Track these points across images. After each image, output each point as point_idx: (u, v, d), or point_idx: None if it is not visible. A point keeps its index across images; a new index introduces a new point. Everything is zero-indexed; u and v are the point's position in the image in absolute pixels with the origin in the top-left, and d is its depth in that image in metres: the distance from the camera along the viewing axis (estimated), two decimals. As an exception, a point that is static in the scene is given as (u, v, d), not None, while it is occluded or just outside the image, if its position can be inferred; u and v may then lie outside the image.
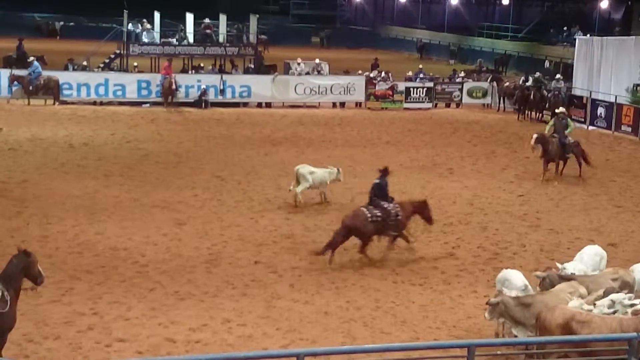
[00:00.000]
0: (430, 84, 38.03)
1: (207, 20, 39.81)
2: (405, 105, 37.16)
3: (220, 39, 39.25)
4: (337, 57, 51.52)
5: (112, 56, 38.48)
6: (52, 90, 33.75)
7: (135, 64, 37.35)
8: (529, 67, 43.77)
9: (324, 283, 15.35)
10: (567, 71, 39.93)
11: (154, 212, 19.54)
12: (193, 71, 37.36)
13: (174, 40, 38.68)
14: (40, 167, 23.49)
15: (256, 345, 12.56)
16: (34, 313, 13.14)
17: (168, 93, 34.29)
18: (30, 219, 18.57)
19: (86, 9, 65.27)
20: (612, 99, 32.71)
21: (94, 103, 34.66)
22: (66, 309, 13.63)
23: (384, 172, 17.51)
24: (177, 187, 21.94)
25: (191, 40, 38.77)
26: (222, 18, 40.02)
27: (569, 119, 24.66)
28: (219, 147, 27.33)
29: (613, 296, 11.15)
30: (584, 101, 34.15)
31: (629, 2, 59.37)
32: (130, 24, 38.11)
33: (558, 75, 36.55)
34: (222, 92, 35.58)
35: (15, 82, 33.60)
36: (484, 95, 38.58)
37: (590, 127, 33.19)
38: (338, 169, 20.94)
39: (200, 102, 34.92)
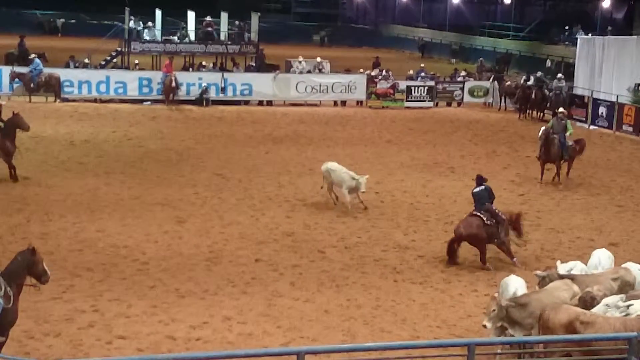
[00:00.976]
0: (432, 83, 38.02)
1: (208, 18, 39.83)
2: (407, 104, 37.15)
3: (222, 37, 39.27)
4: (339, 55, 51.51)
5: (114, 54, 38.50)
6: (54, 87, 33.75)
7: (136, 61, 37.35)
8: (530, 66, 43.74)
9: (325, 281, 15.35)
10: (569, 70, 39.92)
11: (155, 209, 19.55)
12: (192, 68, 37.32)
13: (175, 38, 38.69)
14: (41, 165, 23.49)
15: (256, 343, 12.56)
16: (34, 310, 13.15)
17: (169, 91, 34.30)
18: (31, 216, 18.57)
19: (88, 7, 65.31)
20: (614, 99, 32.69)
21: (95, 100, 34.67)
22: (67, 306, 13.63)
23: (482, 180, 17.23)
24: (178, 184, 21.94)
25: (192, 38, 38.80)
26: (224, 16, 40.05)
27: (568, 122, 24.58)
28: (220, 145, 27.34)
29: (607, 300, 11.14)
30: (586, 100, 34.13)
31: (631, 2, 59.33)
32: (131, 22, 38.11)
33: (559, 75, 36.53)
34: (224, 90, 35.58)
35: (17, 80, 33.60)
36: (485, 94, 38.58)
37: (592, 127, 33.18)
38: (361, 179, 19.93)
39: (202, 100, 34.93)
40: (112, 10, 47.49)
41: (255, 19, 39.92)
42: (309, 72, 37.58)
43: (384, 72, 38.23)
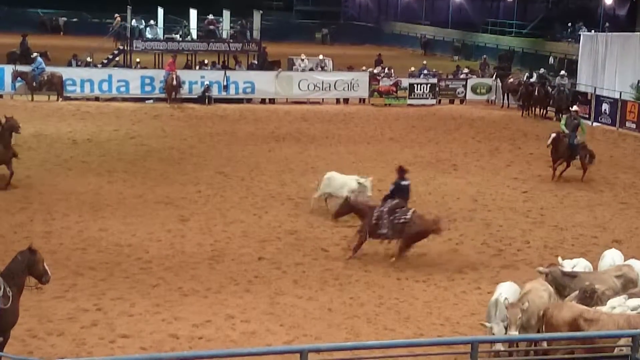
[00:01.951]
0: (434, 80, 37.97)
1: (210, 16, 39.81)
2: (409, 101, 37.10)
3: (224, 35, 39.25)
4: (341, 53, 51.43)
5: (116, 52, 38.49)
6: (56, 86, 33.74)
7: (138, 59, 37.34)
8: (533, 63, 43.67)
9: (328, 279, 15.34)
10: (572, 67, 39.78)
11: (158, 208, 19.54)
12: (198, 66, 37.29)
13: (177, 36, 38.67)
14: (44, 163, 23.49)
15: (260, 341, 12.55)
16: (37, 309, 13.14)
17: (171, 89, 34.28)
18: (34, 215, 18.57)
19: (90, 5, 65.26)
20: (617, 96, 32.61)
21: (97, 99, 34.67)
22: (70, 305, 13.63)
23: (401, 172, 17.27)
24: (180, 183, 21.93)
25: (194, 36, 38.77)
26: (226, 14, 40.01)
27: (582, 121, 24.42)
28: (222, 144, 27.32)
29: (612, 302, 11.11)
30: (589, 97, 34.06)
31: (634, -1, 59.23)
32: (133, 20, 38.08)
33: (562, 72, 36.45)
34: (226, 88, 35.56)
35: (19, 78, 33.58)
36: (488, 91, 38.52)
37: (595, 124, 33.11)
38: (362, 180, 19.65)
39: (204, 98, 34.91)
40: (114, 9, 47.45)
41: (257, 16, 39.88)
42: (311, 70, 37.53)
43: (386, 70, 38.18)
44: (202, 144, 27.08)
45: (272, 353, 9.59)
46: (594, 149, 25.40)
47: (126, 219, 18.55)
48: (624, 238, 18.35)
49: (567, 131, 23.67)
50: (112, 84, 34.71)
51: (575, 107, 25.75)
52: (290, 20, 73.56)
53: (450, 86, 38.40)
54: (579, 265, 13.09)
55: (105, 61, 37.60)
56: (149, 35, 37.93)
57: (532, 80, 35.69)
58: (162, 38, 38.07)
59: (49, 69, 33.98)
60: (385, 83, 37.11)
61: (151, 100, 34.85)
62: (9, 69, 33.92)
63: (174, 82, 34.14)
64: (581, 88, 35.23)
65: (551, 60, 47.92)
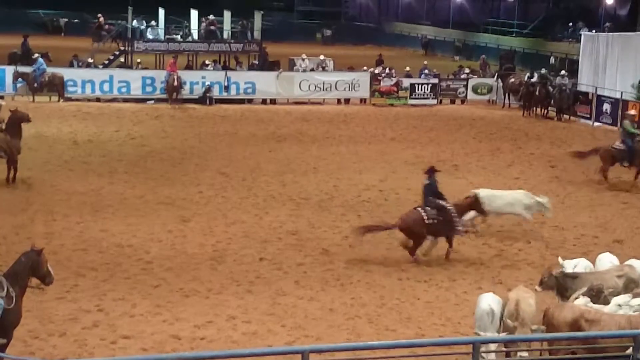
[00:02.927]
0: (435, 81, 37.97)
1: (211, 17, 39.79)
2: (410, 101, 37.11)
3: (225, 36, 39.25)
4: (342, 53, 51.44)
5: (117, 53, 38.49)
6: (57, 87, 33.76)
7: (139, 60, 37.35)
8: (534, 63, 43.64)
9: (329, 280, 15.33)
10: (573, 67, 39.76)
11: (159, 209, 19.54)
12: (204, 65, 37.21)
13: (178, 37, 38.67)
14: (45, 164, 23.49)
15: (261, 342, 12.55)
16: (39, 310, 13.14)
17: (172, 90, 34.28)
18: (35, 216, 18.57)
19: (90, 6, 65.19)
20: (618, 95, 32.59)
21: (98, 100, 34.67)
22: (71, 306, 13.63)
23: (431, 172, 17.20)
24: (181, 183, 21.93)
25: (195, 37, 38.77)
26: (227, 14, 40.01)
27: (626, 123, 23.94)
28: (223, 144, 27.32)
29: (617, 300, 11.10)
30: (590, 97, 34.04)
31: (635, -2, 59.19)
32: (134, 21, 38.09)
33: (563, 72, 36.48)
34: (227, 88, 35.56)
35: (20, 79, 33.61)
36: (489, 91, 38.51)
37: (596, 124, 33.10)
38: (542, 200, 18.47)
39: (205, 99, 34.92)
40: (115, 10, 47.46)
41: (258, 17, 39.89)
42: (312, 70, 37.53)
43: (387, 70, 38.18)
44: (203, 145, 27.08)
45: (274, 354, 9.58)
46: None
47: (127, 219, 18.55)
48: (626, 238, 18.35)
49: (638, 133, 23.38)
50: (113, 85, 34.73)
51: (632, 111, 25.46)
52: (291, 21, 73.58)
53: (451, 86, 38.41)
54: (579, 265, 13.08)
55: (106, 62, 37.61)
56: (149, 36, 37.92)
57: (533, 80, 35.70)
58: (162, 39, 38.06)
59: (50, 70, 34.00)
60: (386, 83, 37.10)
61: (152, 101, 34.86)
62: (10, 70, 33.95)
63: (175, 83, 34.15)
64: (582, 88, 35.20)
65: (552, 60, 47.89)
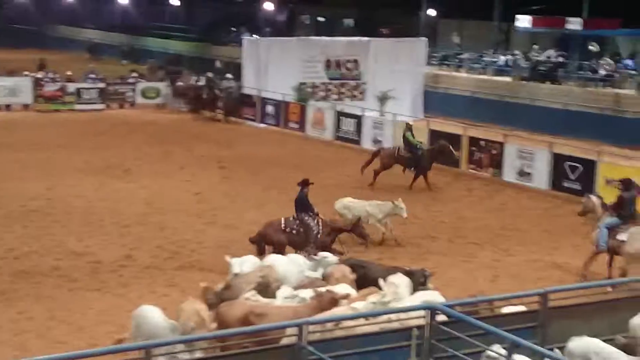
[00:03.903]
0: (102, 85, 37.27)
1: None
2: (77, 106, 36.08)
3: None
4: (1, 57, 48.74)
5: None
6: None
7: None
8: (200, 67, 44.36)
9: None
10: (238, 71, 40.98)
11: None
12: None
13: None
14: None
15: None
16: None
17: None
18: None
19: None
20: (280, 97, 34.09)
21: None
22: None
23: (303, 185, 16.80)
24: None
25: None
26: None
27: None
28: None
29: (282, 292, 11.49)
30: (254, 100, 35.26)
31: (291, 5, 62.38)
32: None
33: (228, 75, 37.52)
34: None
35: None
36: (158, 95, 38.54)
37: (262, 125, 34.39)
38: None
39: None
40: None
41: None
42: (-32, 75, 35.17)
43: (50, 74, 36.83)
44: None
45: None
46: (263, 151, 26.34)
47: None
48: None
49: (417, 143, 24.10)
50: None
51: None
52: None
53: (119, 90, 37.91)
54: (247, 262, 13.35)
55: None
56: None
57: (200, 83, 36.33)
58: None
59: None
60: (50, 88, 35.78)
61: None
62: None
63: None
64: (247, 91, 36.34)
65: (217, 63, 48.94)
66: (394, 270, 12.78)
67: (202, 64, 46.99)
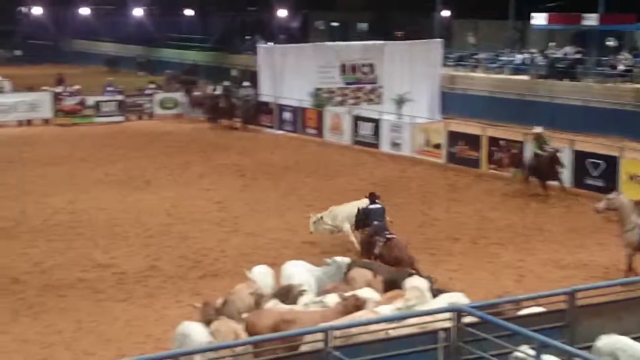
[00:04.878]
0: (121, 97, 37.51)
1: None
2: (96, 119, 36.34)
3: None
4: (19, 73, 49.16)
5: None
6: None
7: None
8: (217, 76, 44.54)
9: (20, 309, 14.57)
10: (255, 78, 41.10)
11: None
12: None
13: None
14: None
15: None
16: None
17: None
18: None
19: None
20: (297, 104, 34.13)
21: None
22: None
23: (372, 197, 16.70)
24: None
25: None
26: None
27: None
28: None
29: (304, 300, 11.50)
30: (271, 107, 35.33)
31: (306, 11, 62.52)
32: None
33: (245, 83, 37.62)
34: None
35: None
36: (176, 105, 38.72)
37: (279, 132, 34.45)
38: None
39: None
40: None
41: None
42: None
43: (68, 89, 37.15)
44: None
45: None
46: (282, 158, 26.39)
47: None
48: (315, 239, 18.93)
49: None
50: None
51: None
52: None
53: (137, 102, 38.13)
54: (258, 271, 13.05)
55: None
56: None
57: (217, 92, 36.47)
58: None
59: None
60: (69, 102, 36.05)
61: None
62: None
63: None
64: (264, 98, 36.41)
65: (234, 72, 49.15)
66: (398, 273, 12.81)
67: (219, 73, 47.21)
